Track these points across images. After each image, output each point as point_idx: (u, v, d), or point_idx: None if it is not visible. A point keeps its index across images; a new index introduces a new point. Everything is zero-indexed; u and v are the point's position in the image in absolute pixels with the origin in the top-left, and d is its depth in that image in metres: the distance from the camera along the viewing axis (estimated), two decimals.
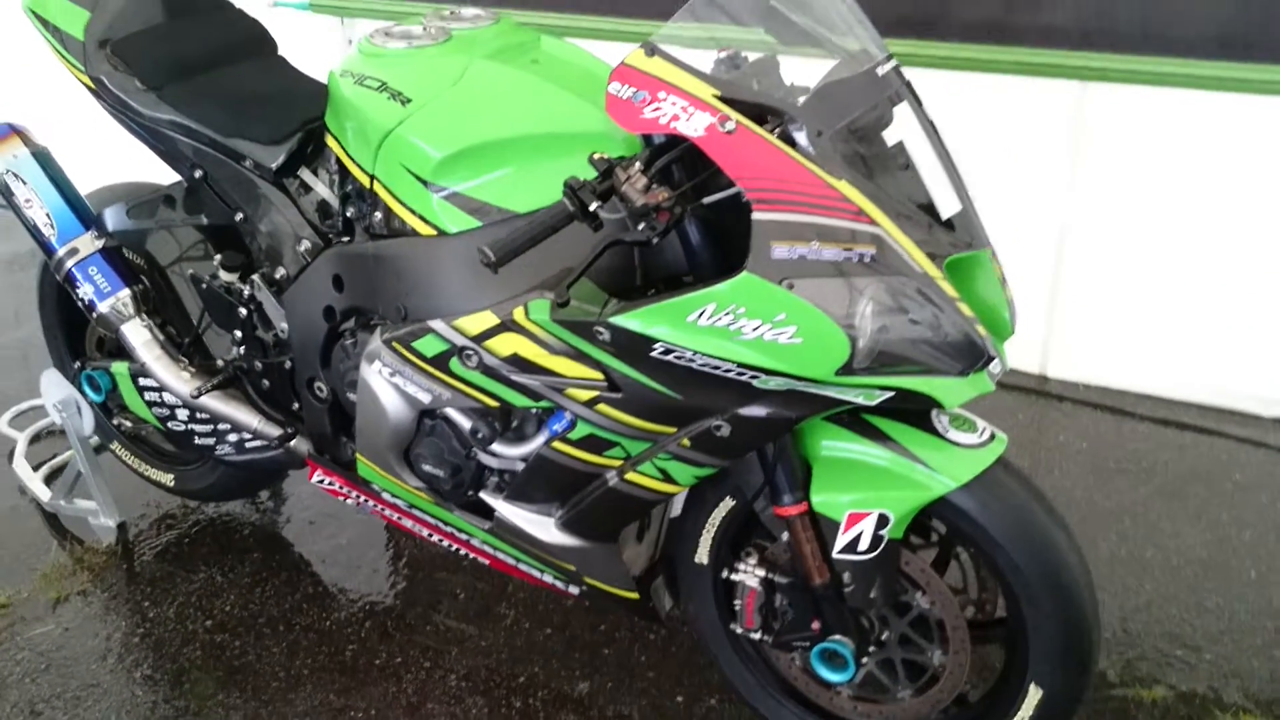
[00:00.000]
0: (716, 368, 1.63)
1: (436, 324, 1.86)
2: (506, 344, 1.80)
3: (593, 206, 1.57)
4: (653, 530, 2.20)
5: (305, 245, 2.15)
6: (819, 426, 1.85)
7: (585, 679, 2.36)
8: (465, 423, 1.98)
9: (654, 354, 1.66)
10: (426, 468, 2.06)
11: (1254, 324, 3.10)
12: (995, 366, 1.68)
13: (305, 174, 2.16)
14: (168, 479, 2.79)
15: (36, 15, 2.32)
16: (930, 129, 1.69)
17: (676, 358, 1.65)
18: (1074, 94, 3.06)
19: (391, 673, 2.38)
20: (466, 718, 2.27)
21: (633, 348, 1.67)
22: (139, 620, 2.53)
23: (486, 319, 1.80)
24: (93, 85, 2.26)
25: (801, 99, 1.62)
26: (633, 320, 1.64)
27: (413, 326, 1.90)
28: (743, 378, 1.64)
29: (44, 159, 2.38)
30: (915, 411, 1.81)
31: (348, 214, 2.08)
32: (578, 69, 1.95)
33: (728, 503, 1.98)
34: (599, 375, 1.75)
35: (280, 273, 2.21)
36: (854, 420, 1.83)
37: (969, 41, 3.08)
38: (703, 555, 2.05)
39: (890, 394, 1.64)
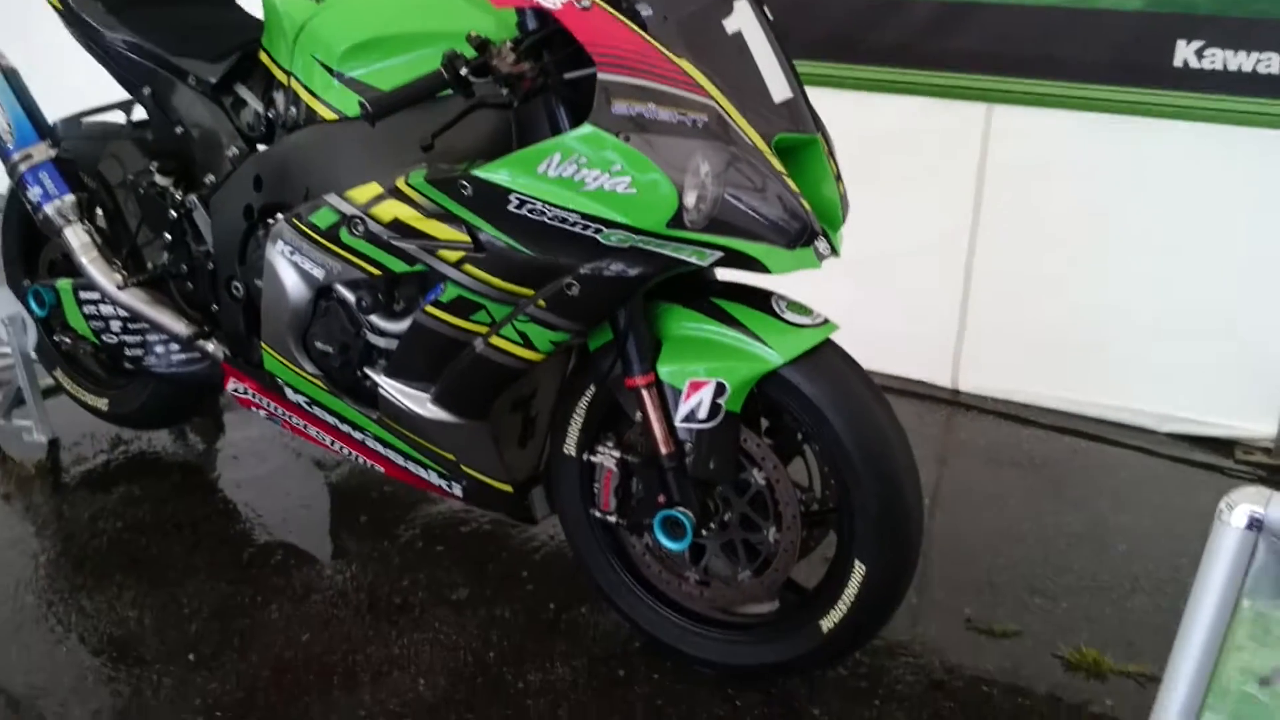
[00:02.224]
0: (564, 220, 1.82)
1: (331, 197, 2.07)
2: (389, 210, 1.99)
3: (463, 72, 1.78)
4: (537, 440, 2.35)
5: (234, 152, 2.37)
6: (672, 310, 2.02)
7: (466, 586, 2.49)
8: (351, 296, 2.17)
9: (510, 208, 1.84)
10: (319, 345, 2.23)
11: (1154, 343, 3.25)
12: (821, 246, 1.86)
13: (241, 89, 2.39)
14: (102, 403, 2.96)
15: None
16: (767, 25, 1.91)
17: (530, 210, 1.83)
18: (981, 115, 3.29)
19: (284, 571, 2.51)
20: (346, 607, 2.39)
21: (492, 201, 1.86)
22: (54, 519, 2.69)
23: (373, 189, 2.01)
24: (60, 7, 2.52)
25: None
26: (490, 172, 1.84)
27: (312, 202, 2.10)
28: (588, 232, 1.82)
29: (11, 76, 2.63)
30: (758, 295, 1.99)
31: (270, 116, 2.30)
32: None
33: (591, 390, 2.14)
34: (465, 237, 1.94)
35: (210, 179, 2.42)
36: (703, 303, 2.01)
37: (884, 65, 3.33)
38: (570, 445, 2.20)
39: (721, 254, 1.82)
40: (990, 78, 3.22)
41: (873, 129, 3.39)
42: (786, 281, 1.95)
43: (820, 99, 2.02)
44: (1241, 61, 2.90)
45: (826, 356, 1.96)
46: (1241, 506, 0.87)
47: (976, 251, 3.44)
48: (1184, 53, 2.96)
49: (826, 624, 2.06)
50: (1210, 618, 0.88)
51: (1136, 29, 3.01)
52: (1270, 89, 2.89)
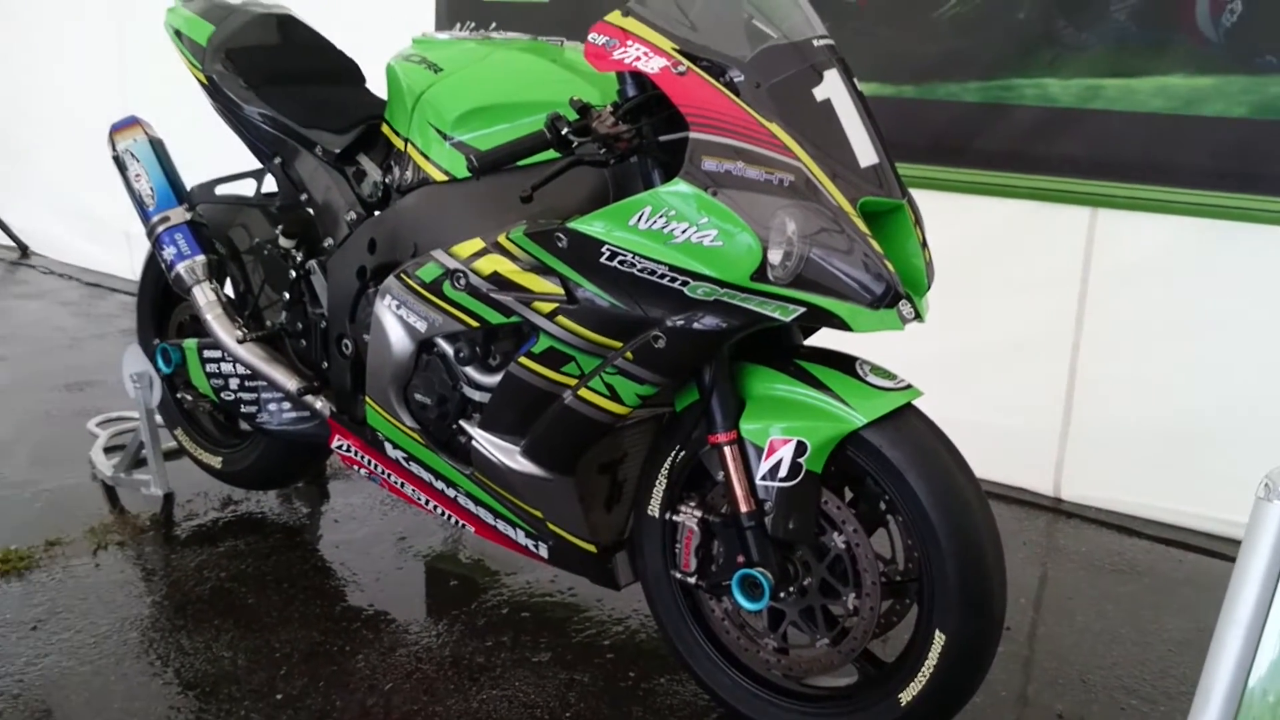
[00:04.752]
0: (653, 272, 1.89)
1: (437, 253, 2.18)
2: (489, 264, 2.10)
3: (564, 131, 1.89)
4: (623, 505, 2.39)
5: (352, 217, 2.52)
6: (757, 371, 2.07)
7: (548, 650, 2.50)
8: (450, 349, 2.26)
9: (602, 260, 1.93)
10: (418, 397, 2.33)
11: (1265, 455, 3.15)
12: (905, 309, 1.89)
13: (363, 159, 2.55)
14: (216, 461, 3.10)
15: (174, 29, 2.84)
16: (857, 94, 1.97)
17: (621, 262, 1.91)
18: (1085, 219, 3.30)
19: (374, 625, 2.57)
20: (430, 662, 2.43)
21: (585, 253, 1.95)
22: (161, 566, 2.79)
23: (475, 244, 2.12)
24: (206, 81, 2.74)
25: (748, 58, 1.93)
26: (585, 224, 1.93)
27: (419, 258, 2.22)
28: (675, 284, 1.89)
29: (157, 145, 2.86)
30: (843, 359, 2.02)
31: (387, 182, 2.44)
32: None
33: (676, 450, 2.18)
34: (559, 290, 2.02)
35: (329, 243, 2.57)
36: (788, 365, 2.05)
37: (988, 169, 3.38)
38: (654, 507, 2.23)
39: (803, 310, 1.87)
40: (1094, 182, 3.24)
41: (976, 231, 3.43)
42: None
43: (923, 200, 2.09)
44: None
45: (909, 420, 1.97)
46: None
47: (1080, 356, 3.41)
48: None
49: (905, 697, 2.03)
50: (1254, 597, 0.87)
51: (1242, 136, 3.01)
52: None
